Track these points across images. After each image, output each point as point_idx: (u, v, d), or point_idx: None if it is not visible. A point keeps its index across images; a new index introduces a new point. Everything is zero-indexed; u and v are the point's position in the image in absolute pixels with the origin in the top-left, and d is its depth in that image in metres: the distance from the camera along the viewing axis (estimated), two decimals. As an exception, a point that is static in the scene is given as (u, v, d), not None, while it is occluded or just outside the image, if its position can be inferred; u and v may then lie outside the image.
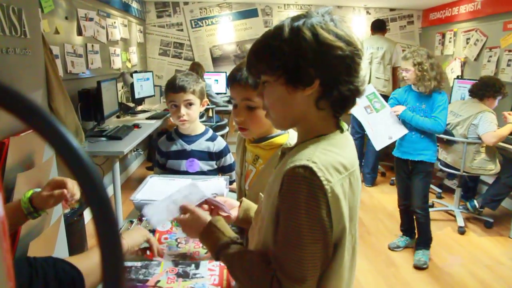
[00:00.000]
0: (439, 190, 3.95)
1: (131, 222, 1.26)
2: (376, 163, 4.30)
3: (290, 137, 1.18)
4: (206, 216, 0.93)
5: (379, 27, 4.40)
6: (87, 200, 0.23)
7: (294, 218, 0.68)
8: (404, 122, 2.59)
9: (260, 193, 0.94)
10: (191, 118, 1.66)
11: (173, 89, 1.61)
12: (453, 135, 3.15)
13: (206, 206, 1.04)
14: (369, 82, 4.00)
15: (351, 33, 0.74)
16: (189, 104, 1.63)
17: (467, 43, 4.44)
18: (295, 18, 0.74)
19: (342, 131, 0.79)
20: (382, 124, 2.68)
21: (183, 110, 1.62)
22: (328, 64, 0.71)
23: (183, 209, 0.97)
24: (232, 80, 1.15)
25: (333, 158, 0.71)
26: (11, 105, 0.23)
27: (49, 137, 0.22)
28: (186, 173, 1.68)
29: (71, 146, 0.23)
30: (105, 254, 0.25)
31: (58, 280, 0.81)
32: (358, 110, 2.22)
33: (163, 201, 1.01)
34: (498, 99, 3.12)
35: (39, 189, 1.11)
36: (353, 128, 4.22)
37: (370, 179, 4.25)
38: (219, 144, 1.73)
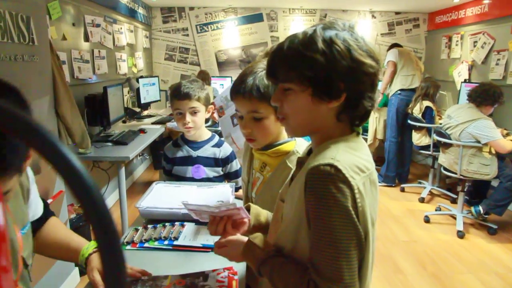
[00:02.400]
0: (455, 196, 3.84)
1: (136, 230, 1.25)
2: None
3: (297, 144, 1.16)
4: (241, 237, 0.93)
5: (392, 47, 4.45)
6: (88, 220, 0.22)
7: (324, 215, 0.68)
8: None
9: (279, 200, 0.92)
10: (197, 125, 1.65)
11: (178, 96, 1.60)
12: (449, 138, 3.13)
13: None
14: None
15: (374, 49, 0.75)
16: (194, 112, 1.62)
17: (474, 46, 4.40)
18: (325, 28, 0.73)
19: (358, 134, 0.80)
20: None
21: (188, 117, 1.61)
22: (357, 80, 0.72)
23: (217, 244, 0.96)
24: (236, 93, 1.12)
25: (354, 158, 0.72)
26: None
27: (43, 153, 0.22)
28: (192, 179, 1.67)
29: (67, 160, 0.22)
30: (108, 273, 0.25)
31: None
32: (223, 120, 1.87)
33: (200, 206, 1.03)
34: (494, 107, 3.11)
35: None
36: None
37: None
38: (225, 150, 1.72)
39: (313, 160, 0.72)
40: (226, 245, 0.94)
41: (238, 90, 1.10)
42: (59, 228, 1.08)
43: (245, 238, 0.89)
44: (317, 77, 0.71)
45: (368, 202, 0.70)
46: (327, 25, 0.74)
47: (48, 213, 1.07)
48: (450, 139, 3.14)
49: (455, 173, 3.17)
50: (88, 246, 1.02)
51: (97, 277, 0.95)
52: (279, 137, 1.17)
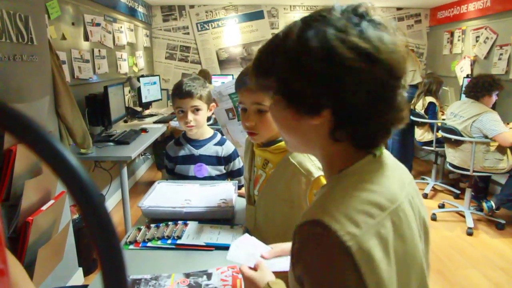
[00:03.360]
0: (458, 191, 3.86)
1: (139, 229, 1.24)
2: None
3: None
4: (262, 276, 0.79)
5: None
6: (89, 228, 0.21)
7: None
8: None
9: None
10: (199, 123, 1.63)
11: (179, 95, 1.58)
12: (461, 135, 3.10)
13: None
14: None
15: (389, 42, 0.53)
16: (196, 110, 1.61)
17: (477, 41, 4.37)
18: (307, 21, 0.55)
19: (374, 155, 0.59)
20: (243, 135, 2.12)
21: (190, 116, 1.60)
22: (343, 90, 0.52)
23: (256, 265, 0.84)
24: (241, 85, 1.11)
25: (359, 198, 0.53)
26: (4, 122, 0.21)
27: (47, 159, 0.21)
28: (194, 178, 1.66)
29: (69, 166, 0.21)
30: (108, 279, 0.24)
31: None
32: (218, 111, 1.83)
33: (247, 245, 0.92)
34: (494, 94, 3.07)
35: None
36: None
37: None
38: (228, 148, 1.70)
39: (307, 210, 0.57)
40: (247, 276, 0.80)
41: (243, 81, 1.09)
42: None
43: (263, 279, 0.78)
44: (285, 87, 0.57)
45: (387, 257, 0.50)
46: (315, 16, 0.56)
47: None
48: (462, 136, 3.11)
49: (467, 170, 3.15)
50: None
51: None
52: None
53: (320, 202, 0.56)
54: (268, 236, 1.21)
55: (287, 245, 0.87)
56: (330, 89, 0.53)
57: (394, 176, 0.59)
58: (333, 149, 0.59)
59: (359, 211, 0.51)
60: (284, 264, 0.85)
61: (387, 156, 0.62)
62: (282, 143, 1.13)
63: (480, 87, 3.03)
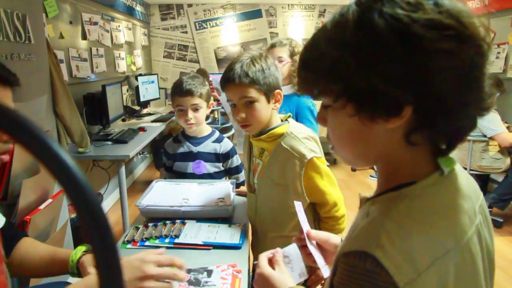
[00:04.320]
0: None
1: (137, 228, 1.24)
2: None
3: (290, 125, 1.21)
4: (286, 279, 0.72)
5: None
6: (84, 229, 0.21)
7: None
8: None
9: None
10: (199, 121, 1.65)
11: (179, 93, 1.60)
12: None
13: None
14: None
15: (469, 13, 0.43)
16: (196, 108, 1.63)
17: (475, 39, 4.38)
18: (364, 3, 0.45)
19: (442, 172, 0.49)
20: None
21: (191, 113, 1.61)
22: (427, 81, 0.42)
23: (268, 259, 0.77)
24: (226, 81, 1.17)
25: (422, 235, 0.44)
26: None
27: (40, 157, 0.21)
28: (192, 175, 1.67)
29: (65, 165, 0.21)
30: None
31: None
32: (223, 101, 1.88)
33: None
34: (496, 96, 3.09)
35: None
36: None
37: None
38: (226, 145, 1.72)
39: (353, 232, 0.49)
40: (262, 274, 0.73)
41: (228, 78, 1.16)
42: (38, 245, 1.02)
43: (284, 283, 0.71)
44: (354, 87, 0.45)
45: None
46: None
47: (18, 233, 1.02)
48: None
49: (464, 168, 3.16)
50: (75, 252, 0.96)
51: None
52: (271, 122, 1.22)
53: (372, 229, 0.45)
54: (267, 222, 1.26)
55: (334, 237, 0.82)
56: (412, 81, 0.42)
57: (465, 204, 0.48)
58: (403, 157, 0.49)
59: (420, 250, 0.43)
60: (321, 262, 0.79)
61: (460, 175, 0.51)
62: (274, 131, 1.20)
63: None
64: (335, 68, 0.46)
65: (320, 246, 0.82)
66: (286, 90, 2.00)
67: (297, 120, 2.03)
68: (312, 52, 0.50)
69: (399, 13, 0.41)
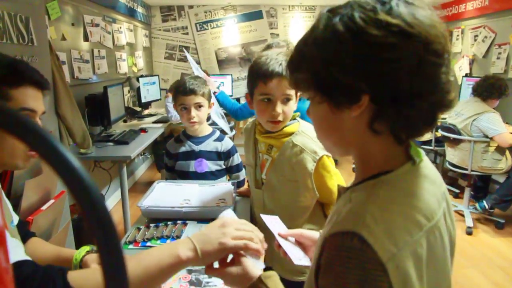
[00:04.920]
0: (457, 191, 3.88)
1: (139, 229, 1.25)
2: None
3: (301, 125, 1.23)
4: (254, 270, 0.73)
5: None
6: (91, 230, 0.22)
7: None
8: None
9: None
10: (201, 120, 1.69)
11: (183, 92, 1.65)
12: (460, 134, 3.11)
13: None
14: None
15: (423, 17, 0.50)
16: (199, 106, 1.67)
17: (475, 40, 4.38)
18: (334, 9, 0.53)
19: (414, 162, 0.56)
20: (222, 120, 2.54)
21: (194, 112, 1.66)
22: (377, 72, 0.49)
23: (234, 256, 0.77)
24: (275, 75, 1.12)
25: (399, 213, 0.51)
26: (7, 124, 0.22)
27: (48, 159, 0.21)
28: (195, 173, 1.69)
29: (71, 167, 0.22)
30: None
31: None
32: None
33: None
34: (500, 99, 3.10)
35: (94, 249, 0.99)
36: None
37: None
38: (227, 144, 1.75)
39: (338, 215, 0.53)
40: (224, 269, 0.75)
41: (277, 71, 1.12)
42: (44, 245, 1.04)
43: (254, 272, 0.72)
44: (319, 77, 0.53)
45: (420, 277, 0.49)
46: (341, 4, 0.54)
47: (28, 233, 1.04)
48: (460, 134, 3.12)
49: (466, 169, 3.16)
50: (79, 251, 0.97)
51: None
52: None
53: (357, 212, 0.51)
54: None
55: (310, 232, 0.87)
56: (365, 71, 0.50)
57: (433, 189, 0.56)
58: (372, 146, 0.56)
59: (399, 228, 0.49)
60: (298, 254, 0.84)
61: (427, 165, 0.58)
62: (285, 129, 1.22)
63: (497, 89, 3.03)
64: (304, 61, 0.55)
65: (298, 243, 0.87)
66: None
67: None
68: (294, 51, 0.58)
69: (355, 16, 0.50)
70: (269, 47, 1.98)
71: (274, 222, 0.90)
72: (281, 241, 0.85)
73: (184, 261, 0.71)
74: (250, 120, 1.45)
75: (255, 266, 0.75)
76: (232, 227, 0.76)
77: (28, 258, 0.74)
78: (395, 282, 0.46)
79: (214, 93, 2.11)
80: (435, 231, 0.53)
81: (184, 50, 2.30)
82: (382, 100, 0.51)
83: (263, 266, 0.79)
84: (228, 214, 0.92)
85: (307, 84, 0.56)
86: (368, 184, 0.55)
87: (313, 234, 0.86)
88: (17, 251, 0.76)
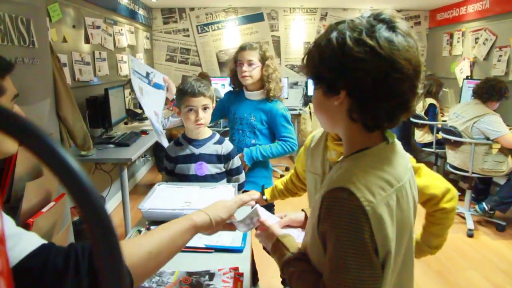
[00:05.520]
0: (458, 193, 3.86)
1: (139, 231, 1.25)
2: None
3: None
4: (277, 231, 0.93)
5: None
6: (91, 234, 0.22)
7: (336, 242, 0.67)
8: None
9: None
10: (207, 121, 1.69)
11: (192, 93, 1.64)
12: (460, 136, 3.11)
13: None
14: None
15: (396, 42, 0.66)
16: (206, 108, 1.67)
17: (476, 42, 4.38)
18: (336, 25, 0.72)
19: (388, 142, 0.75)
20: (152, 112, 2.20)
21: (201, 113, 1.66)
22: (353, 76, 0.67)
23: (261, 224, 0.98)
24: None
25: (376, 175, 0.69)
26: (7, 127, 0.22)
27: (48, 162, 0.21)
28: (195, 176, 1.69)
29: (72, 170, 0.22)
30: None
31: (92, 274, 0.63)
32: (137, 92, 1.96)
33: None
34: (500, 102, 3.10)
35: None
36: None
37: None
38: (227, 147, 1.75)
39: (330, 181, 0.71)
40: (265, 230, 0.96)
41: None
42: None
43: (279, 231, 0.92)
44: (317, 73, 0.74)
45: (391, 222, 0.67)
46: (344, 20, 0.72)
47: None
48: (461, 137, 3.11)
49: (467, 171, 3.15)
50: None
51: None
52: None
53: (345, 174, 0.70)
54: None
55: (296, 215, 1.10)
56: (344, 74, 0.68)
57: (401, 161, 0.75)
58: (352, 129, 0.74)
59: (376, 184, 0.67)
60: (296, 234, 0.99)
61: (397, 145, 0.78)
62: None
63: (497, 91, 3.02)
64: (309, 59, 0.76)
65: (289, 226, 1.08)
66: (257, 95, 1.98)
67: (272, 128, 1.99)
68: (309, 49, 0.77)
69: (346, 34, 0.68)
70: (242, 49, 1.95)
71: (263, 213, 1.00)
72: (260, 209, 1.00)
73: (199, 226, 0.84)
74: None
75: (278, 230, 0.94)
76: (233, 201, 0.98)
77: (44, 241, 0.68)
78: (374, 224, 0.64)
79: (173, 100, 1.96)
80: (402, 191, 0.71)
81: (129, 55, 2.10)
82: (355, 97, 0.69)
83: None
84: (260, 210, 1.00)
85: (310, 74, 0.76)
86: (353, 156, 0.74)
87: (296, 214, 1.10)
88: (29, 237, 0.69)
